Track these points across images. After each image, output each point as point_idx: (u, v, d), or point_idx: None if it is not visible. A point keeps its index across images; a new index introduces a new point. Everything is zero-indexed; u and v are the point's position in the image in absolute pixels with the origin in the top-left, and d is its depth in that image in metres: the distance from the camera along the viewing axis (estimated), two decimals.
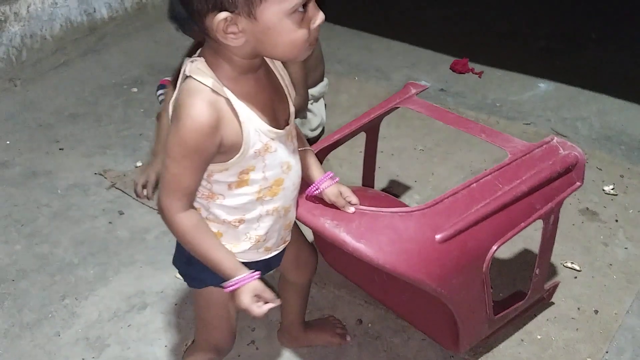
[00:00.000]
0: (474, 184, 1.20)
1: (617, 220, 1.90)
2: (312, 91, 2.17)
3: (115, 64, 2.83)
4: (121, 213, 1.99)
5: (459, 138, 2.28)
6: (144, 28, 3.07)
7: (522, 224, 1.23)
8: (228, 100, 0.89)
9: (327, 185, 1.16)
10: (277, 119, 0.97)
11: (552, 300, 1.63)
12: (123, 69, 2.79)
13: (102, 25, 2.92)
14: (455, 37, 2.98)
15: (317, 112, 2.18)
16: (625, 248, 1.80)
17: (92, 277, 1.75)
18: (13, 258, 1.80)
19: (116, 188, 2.09)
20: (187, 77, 0.89)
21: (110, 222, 1.95)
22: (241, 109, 0.90)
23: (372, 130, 1.56)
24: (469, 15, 3.20)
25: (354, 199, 1.17)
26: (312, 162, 1.18)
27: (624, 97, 2.50)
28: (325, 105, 2.28)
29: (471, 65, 2.76)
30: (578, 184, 1.31)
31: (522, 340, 1.53)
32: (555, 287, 1.60)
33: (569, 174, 1.29)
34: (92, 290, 1.71)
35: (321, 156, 1.42)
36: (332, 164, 2.16)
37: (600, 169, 2.11)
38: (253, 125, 0.92)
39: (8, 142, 2.31)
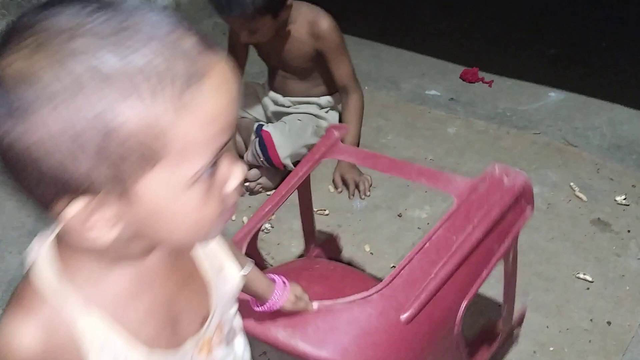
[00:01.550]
0: (427, 244, 1.09)
1: (629, 231, 1.89)
2: (322, 100, 2.19)
3: None
4: None
5: (469, 148, 2.28)
6: None
7: (485, 272, 1.15)
8: (72, 323, 0.56)
9: (284, 299, 0.95)
10: (177, 331, 0.66)
11: (565, 311, 1.63)
12: None
13: None
14: (465, 47, 2.98)
15: (331, 121, 2.20)
16: (638, 259, 1.79)
17: None
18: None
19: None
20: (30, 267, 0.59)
21: None
22: (93, 330, 0.57)
23: (302, 186, 1.44)
24: (479, 24, 3.20)
25: (306, 296, 1.00)
26: (255, 276, 0.92)
27: (636, 106, 2.49)
28: (339, 114, 2.30)
29: (481, 74, 2.76)
30: (530, 210, 1.21)
31: (534, 352, 1.53)
32: (523, 316, 1.54)
33: (518, 203, 1.19)
34: None
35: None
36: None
37: (612, 179, 2.10)
38: (111, 355, 0.58)
39: None
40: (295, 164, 2.08)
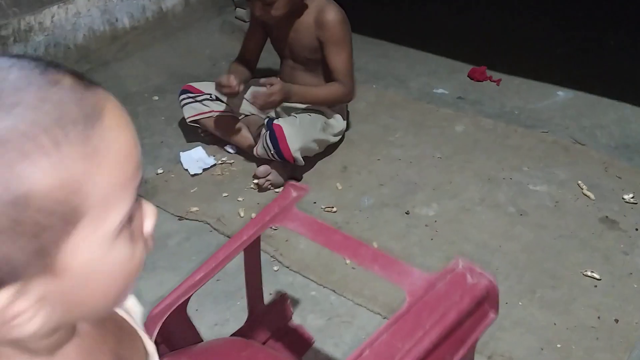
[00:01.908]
0: (367, 351, 0.91)
1: (637, 229, 1.89)
2: None
3: (136, 73, 2.88)
4: None
5: (477, 146, 2.28)
6: (164, 37, 3.12)
7: None
8: None
9: None
10: None
11: (572, 308, 1.63)
12: (145, 78, 2.84)
13: (124, 34, 2.97)
14: (473, 45, 2.98)
15: (339, 119, 2.21)
16: None
17: None
18: None
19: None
20: None
21: None
22: None
23: (250, 247, 1.28)
24: (487, 23, 3.20)
25: None
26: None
27: None
28: (347, 112, 2.31)
29: (489, 73, 2.76)
30: (492, 316, 1.05)
31: (542, 349, 1.53)
32: None
33: (481, 306, 1.03)
34: None
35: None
36: (350, 172, 2.18)
37: (620, 178, 2.10)
38: None
39: None
40: (305, 158, 2.10)
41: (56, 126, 0.39)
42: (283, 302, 1.64)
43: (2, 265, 0.39)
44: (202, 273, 1.15)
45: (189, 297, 1.12)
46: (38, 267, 0.40)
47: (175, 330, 0.99)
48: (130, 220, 0.46)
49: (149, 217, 0.50)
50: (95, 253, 0.43)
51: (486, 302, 1.02)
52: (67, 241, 0.41)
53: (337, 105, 2.20)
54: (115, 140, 0.43)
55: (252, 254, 1.37)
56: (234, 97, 2.14)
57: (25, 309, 0.41)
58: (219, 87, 2.08)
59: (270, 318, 1.56)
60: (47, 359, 0.48)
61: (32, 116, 0.39)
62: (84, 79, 0.44)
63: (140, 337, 0.62)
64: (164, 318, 1.06)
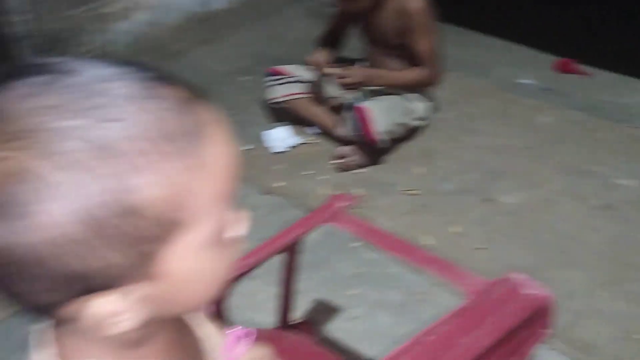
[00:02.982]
0: (432, 337, 0.95)
1: None
2: None
3: (226, 54, 2.99)
4: None
5: (563, 138, 2.25)
6: (255, 21, 3.22)
7: None
8: None
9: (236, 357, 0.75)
10: None
11: None
12: (233, 59, 2.94)
13: (216, 16, 3.09)
14: (561, 37, 2.92)
15: (423, 104, 2.23)
16: None
17: None
18: None
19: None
20: None
21: None
22: None
23: (290, 250, 1.31)
24: (575, 14, 3.12)
25: None
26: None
27: None
28: (432, 98, 2.33)
29: (577, 65, 2.70)
30: (545, 332, 1.05)
31: (620, 338, 1.52)
32: None
33: (534, 321, 1.03)
34: None
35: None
36: (432, 157, 2.20)
37: None
38: None
39: None
40: (389, 140, 2.13)
41: (164, 140, 0.40)
42: (309, 324, 1.61)
43: (109, 271, 0.40)
44: (251, 259, 1.14)
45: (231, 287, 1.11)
46: (140, 272, 0.42)
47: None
48: (224, 227, 0.46)
49: (242, 223, 0.50)
50: (192, 260, 0.44)
51: (542, 316, 1.03)
52: (167, 249, 0.42)
53: (422, 89, 2.22)
54: (218, 154, 0.43)
55: (293, 256, 1.34)
56: (321, 76, 2.20)
57: (123, 311, 0.43)
58: (309, 64, 2.15)
59: (300, 327, 1.51)
60: (133, 351, 0.50)
61: (141, 129, 0.40)
62: (189, 91, 0.44)
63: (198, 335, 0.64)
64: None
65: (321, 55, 2.12)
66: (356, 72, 2.05)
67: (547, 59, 2.77)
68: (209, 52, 3.00)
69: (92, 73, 0.41)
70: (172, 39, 2.97)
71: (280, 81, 2.33)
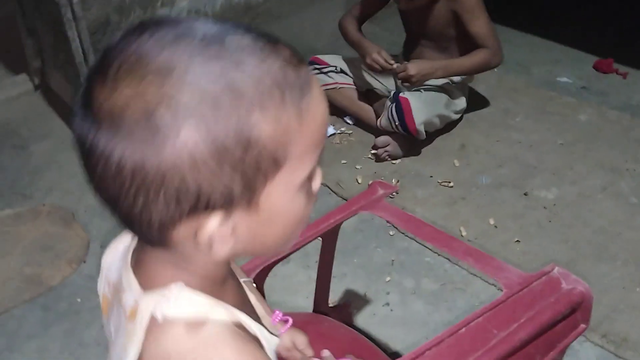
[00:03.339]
0: (463, 329, 0.94)
1: None
2: (457, 77, 2.23)
3: None
4: None
5: (600, 136, 2.25)
6: (293, 12, 3.25)
7: None
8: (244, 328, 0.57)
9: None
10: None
11: None
12: None
13: (256, 6, 3.13)
14: (600, 37, 2.90)
15: (462, 97, 2.24)
16: None
17: None
18: None
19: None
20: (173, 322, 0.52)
21: None
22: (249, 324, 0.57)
23: (329, 235, 1.29)
24: (616, 14, 3.10)
25: (309, 351, 0.89)
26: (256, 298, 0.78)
27: None
28: (469, 91, 2.34)
29: (616, 65, 2.69)
30: (583, 326, 1.04)
31: None
32: None
33: (573, 314, 1.03)
34: None
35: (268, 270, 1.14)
36: (469, 150, 2.21)
37: None
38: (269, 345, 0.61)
39: None
40: (427, 133, 2.15)
41: (283, 86, 0.46)
42: (346, 307, 1.64)
43: (223, 191, 0.46)
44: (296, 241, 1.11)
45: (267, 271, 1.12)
46: (244, 200, 0.48)
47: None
48: (310, 177, 0.53)
49: (319, 178, 0.55)
50: (283, 199, 0.50)
51: (579, 310, 1.03)
52: (269, 183, 0.48)
53: (486, 71, 2.21)
54: (317, 108, 0.49)
55: (330, 242, 1.35)
56: (366, 67, 2.22)
57: (224, 234, 0.49)
58: (373, 61, 2.15)
59: (335, 312, 1.51)
60: (216, 287, 0.56)
61: (265, 76, 0.46)
62: (297, 52, 0.50)
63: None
64: (256, 272, 1.07)
65: (379, 51, 2.14)
66: (418, 66, 2.06)
67: (587, 59, 2.75)
68: None
69: (211, 27, 0.47)
70: None
71: (322, 70, 2.36)
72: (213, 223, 0.48)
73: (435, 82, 2.19)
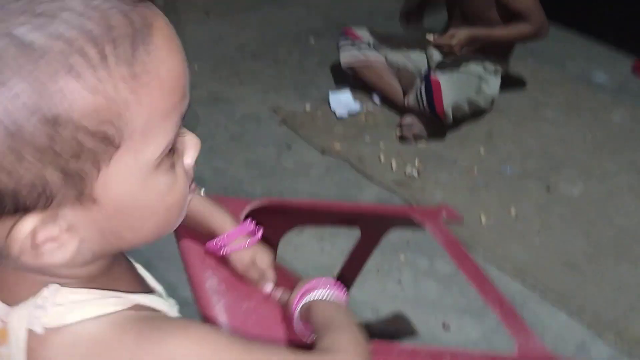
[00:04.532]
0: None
1: None
2: (490, 65, 2.19)
3: (297, 14, 2.99)
4: (289, 147, 2.13)
5: (632, 137, 2.20)
6: None
7: None
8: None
9: (237, 247, 0.77)
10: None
11: None
12: (303, 20, 2.95)
13: None
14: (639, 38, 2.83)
15: (494, 86, 2.19)
16: None
17: (259, 196, 1.90)
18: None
19: (286, 125, 2.24)
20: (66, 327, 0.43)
21: (278, 153, 2.10)
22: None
23: (371, 232, 1.13)
24: None
25: (270, 273, 0.78)
26: (210, 207, 0.79)
27: None
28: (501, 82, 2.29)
29: None
30: None
31: None
32: None
33: None
34: None
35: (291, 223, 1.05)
36: (495, 139, 2.17)
37: None
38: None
39: (196, 67, 2.54)
40: (454, 118, 2.10)
41: (104, 38, 0.35)
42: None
43: (34, 187, 0.35)
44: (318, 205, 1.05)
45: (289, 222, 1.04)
46: (71, 193, 0.37)
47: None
48: (172, 151, 0.41)
49: (191, 149, 0.45)
50: (133, 183, 0.39)
51: None
52: (104, 168, 0.37)
53: (494, 69, 2.17)
54: (163, 61, 0.38)
55: (367, 240, 1.19)
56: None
57: (54, 236, 0.39)
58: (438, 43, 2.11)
59: None
60: (105, 277, 0.46)
61: (78, 24, 0.34)
62: None
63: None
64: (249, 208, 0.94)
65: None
66: (460, 33, 2.03)
67: (625, 60, 2.69)
68: (280, 11, 3.00)
69: None
70: None
71: (354, 45, 2.32)
72: (25, 226, 0.37)
73: (469, 68, 2.15)
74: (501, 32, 2.10)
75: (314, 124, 2.25)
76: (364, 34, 2.35)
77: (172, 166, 0.42)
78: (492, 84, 2.21)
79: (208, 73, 2.50)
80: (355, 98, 2.37)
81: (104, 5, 0.35)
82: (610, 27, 2.91)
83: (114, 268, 0.48)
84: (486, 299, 0.99)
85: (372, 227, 1.13)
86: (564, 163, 2.06)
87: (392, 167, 2.04)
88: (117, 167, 0.38)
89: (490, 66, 2.19)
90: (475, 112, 2.22)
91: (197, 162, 0.46)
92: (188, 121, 0.42)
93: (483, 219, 1.83)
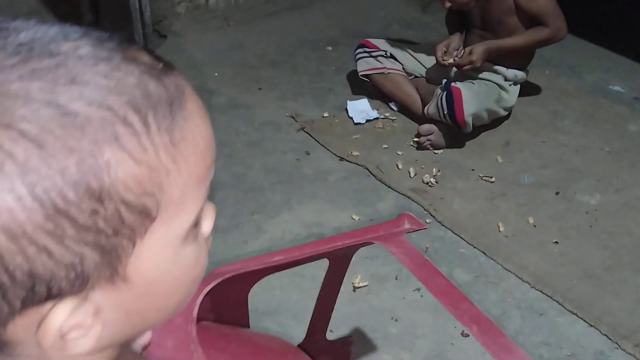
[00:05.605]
0: None
1: None
2: (509, 73, 2.20)
3: (315, 22, 3.02)
4: (307, 153, 2.16)
5: None
6: None
7: None
8: None
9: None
10: None
11: None
12: (321, 28, 2.98)
13: None
14: None
15: (512, 95, 2.21)
16: None
17: (278, 202, 1.93)
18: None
19: (305, 131, 2.26)
20: None
21: (297, 159, 2.12)
22: None
23: (339, 260, 1.08)
24: None
25: None
26: None
27: None
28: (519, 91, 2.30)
29: None
30: None
31: None
32: None
33: None
34: (278, 212, 1.89)
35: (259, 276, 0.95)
36: (513, 148, 2.18)
37: None
38: None
39: (216, 74, 2.57)
40: (473, 126, 2.12)
41: (145, 105, 0.33)
42: (346, 345, 1.34)
43: (73, 267, 0.32)
44: (282, 256, 0.95)
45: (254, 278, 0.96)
46: (106, 273, 0.33)
47: (226, 304, 0.87)
48: (197, 221, 0.39)
49: (209, 217, 0.42)
50: (165, 257, 0.36)
51: None
52: (138, 244, 0.34)
53: (514, 79, 2.18)
54: (196, 128, 0.36)
55: (337, 268, 1.11)
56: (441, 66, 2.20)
57: (80, 324, 0.34)
58: (439, 51, 2.15)
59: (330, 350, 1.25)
60: None
61: (116, 92, 0.32)
62: (160, 58, 0.36)
63: None
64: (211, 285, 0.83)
65: (453, 42, 2.14)
66: (477, 47, 2.05)
67: None
68: (299, 18, 3.03)
69: (35, 32, 0.33)
70: (265, 0, 3.02)
71: (371, 54, 2.34)
72: (60, 316, 0.33)
73: (489, 77, 2.17)
74: (518, 40, 2.10)
75: (333, 131, 2.28)
76: (381, 43, 2.37)
77: (197, 237, 0.39)
78: (512, 93, 2.22)
79: (228, 80, 2.53)
80: (372, 106, 2.39)
81: (137, 72, 0.33)
82: (627, 38, 2.91)
83: (123, 356, 0.43)
84: (460, 317, 0.90)
85: (339, 258, 1.06)
86: (582, 173, 2.07)
87: (410, 175, 2.05)
88: (150, 241, 0.35)
89: (512, 75, 2.20)
90: (494, 120, 2.23)
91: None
92: None
93: (501, 228, 1.84)
